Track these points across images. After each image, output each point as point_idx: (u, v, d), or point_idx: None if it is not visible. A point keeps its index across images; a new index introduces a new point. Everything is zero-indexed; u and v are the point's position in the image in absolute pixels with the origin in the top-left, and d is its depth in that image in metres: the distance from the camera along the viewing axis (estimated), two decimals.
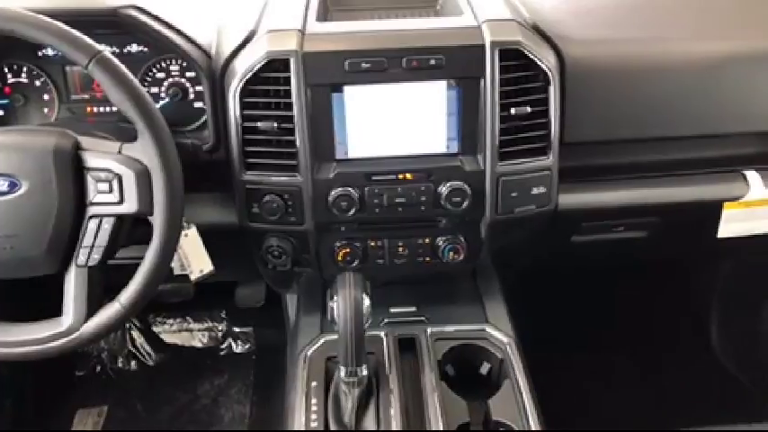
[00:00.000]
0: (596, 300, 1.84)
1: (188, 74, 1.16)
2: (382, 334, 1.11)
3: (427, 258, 1.17)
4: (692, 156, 1.22)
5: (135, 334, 1.91)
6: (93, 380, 1.84)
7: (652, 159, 1.21)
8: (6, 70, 1.16)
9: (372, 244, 1.15)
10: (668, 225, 1.29)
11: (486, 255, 1.20)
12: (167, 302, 1.84)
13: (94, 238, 0.90)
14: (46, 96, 1.17)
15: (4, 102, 1.16)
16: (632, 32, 1.17)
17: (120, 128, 1.06)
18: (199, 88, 1.15)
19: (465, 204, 1.06)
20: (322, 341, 1.12)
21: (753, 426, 1.01)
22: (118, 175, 0.88)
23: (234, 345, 1.93)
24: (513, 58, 1.03)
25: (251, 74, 1.01)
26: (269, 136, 1.04)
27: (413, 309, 1.21)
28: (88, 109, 1.18)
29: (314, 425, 0.98)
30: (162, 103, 1.16)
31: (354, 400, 0.96)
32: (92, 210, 0.89)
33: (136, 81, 0.88)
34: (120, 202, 0.89)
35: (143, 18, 1.04)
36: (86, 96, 1.17)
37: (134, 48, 1.15)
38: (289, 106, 1.02)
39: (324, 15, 1.20)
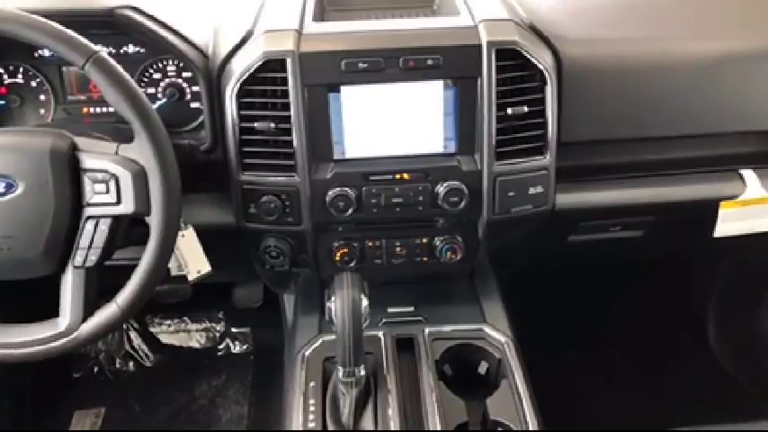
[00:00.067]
0: (594, 299, 1.84)
1: (185, 74, 1.16)
2: (380, 334, 1.12)
3: (425, 258, 1.17)
4: (688, 155, 1.22)
5: (132, 335, 1.91)
6: (91, 381, 1.83)
7: (649, 159, 1.21)
8: (2, 71, 1.16)
9: (370, 244, 1.15)
10: (665, 224, 1.29)
11: (484, 254, 1.20)
12: (165, 303, 1.84)
13: (91, 239, 0.89)
14: (42, 97, 1.17)
15: (1, 103, 1.16)
16: (629, 32, 1.17)
17: (117, 128, 1.06)
18: (196, 89, 1.15)
19: (462, 204, 1.06)
20: (320, 341, 1.12)
21: (751, 425, 1.01)
22: (115, 176, 0.87)
23: (232, 345, 1.93)
24: (509, 57, 1.03)
25: (248, 74, 1.01)
26: (266, 136, 1.04)
27: (411, 309, 1.21)
28: (85, 110, 1.18)
29: (312, 425, 0.98)
30: (159, 103, 1.16)
31: (352, 400, 0.96)
32: (89, 211, 0.89)
33: (132, 82, 0.88)
34: (117, 202, 0.88)
35: (139, 18, 1.04)
36: (83, 97, 1.17)
37: (131, 48, 1.15)
38: (286, 106, 1.02)
39: (320, 15, 1.20)
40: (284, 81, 1.01)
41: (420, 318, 1.19)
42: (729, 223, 1.21)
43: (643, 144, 1.19)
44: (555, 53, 1.08)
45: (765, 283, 1.67)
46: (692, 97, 1.14)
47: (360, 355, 0.94)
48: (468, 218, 1.12)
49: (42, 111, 1.17)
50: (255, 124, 1.03)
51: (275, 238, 1.13)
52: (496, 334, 1.13)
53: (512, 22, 1.07)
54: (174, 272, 1.09)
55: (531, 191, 1.09)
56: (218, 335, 1.95)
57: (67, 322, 0.91)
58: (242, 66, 1.02)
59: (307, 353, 1.10)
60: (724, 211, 1.20)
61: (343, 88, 1.03)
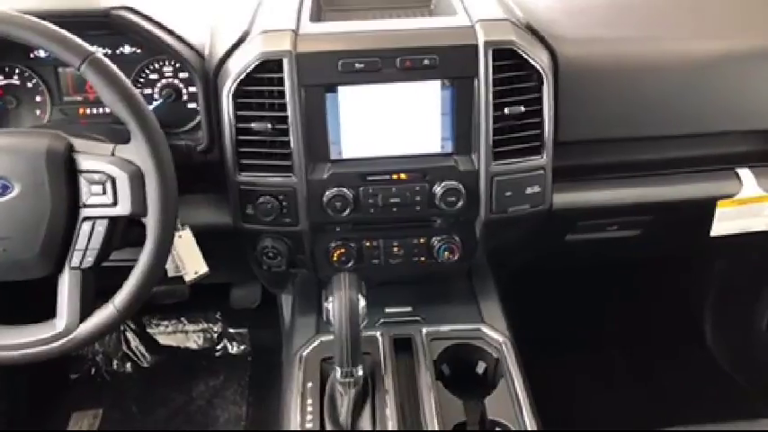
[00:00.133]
0: (591, 299, 1.84)
1: (181, 75, 1.15)
2: (378, 334, 1.11)
3: (422, 258, 1.17)
4: (685, 154, 1.22)
5: (130, 336, 1.90)
6: (88, 382, 1.83)
7: (646, 158, 1.21)
8: None
9: (367, 244, 1.15)
10: (662, 223, 1.29)
11: (481, 254, 1.20)
12: (162, 304, 1.84)
13: (88, 241, 0.89)
14: (38, 98, 1.17)
15: None
16: (626, 32, 1.17)
17: (114, 129, 1.06)
18: (192, 89, 1.15)
19: (460, 204, 1.07)
20: (317, 342, 1.12)
21: (749, 424, 1.02)
22: (111, 177, 0.87)
23: (229, 346, 1.93)
24: (506, 57, 1.03)
25: (244, 74, 1.01)
26: (263, 137, 1.04)
27: (408, 309, 1.21)
28: (81, 111, 1.17)
29: (310, 425, 0.97)
30: (155, 104, 1.15)
31: (350, 400, 0.96)
32: (85, 212, 0.89)
33: (128, 82, 0.88)
34: (114, 204, 0.88)
35: (135, 19, 1.04)
36: (79, 98, 1.17)
37: (127, 49, 1.14)
38: (282, 107, 1.02)
39: (317, 15, 1.20)
40: (281, 81, 1.01)
41: (418, 318, 1.19)
42: (726, 222, 1.21)
43: (640, 143, 1.20)
44: (552, 53, 1.08)
45: (762, 282, 1.67)
46: (689, 97, 1.14)
47: (357, 356, 0.94)
48: (465, 218, 1.12)
49: (38, 112, 1.17)
50: (252, 125, 1.02)
51: (272, 239, 1.13)
52: (494, 334, 1.13)
53: (508, 22, 1.07)
54: (171, 273, 1.09)
55: (529, 191, 1.09)
56: (215, 335, 1.94)
57: (64, 324, 0.91)
58: (238, 66, 1.01)
59: (304, 353, 1.10)
60: (721, 210, 1.20)
61: (340, 88, 1.03)
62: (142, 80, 1.16)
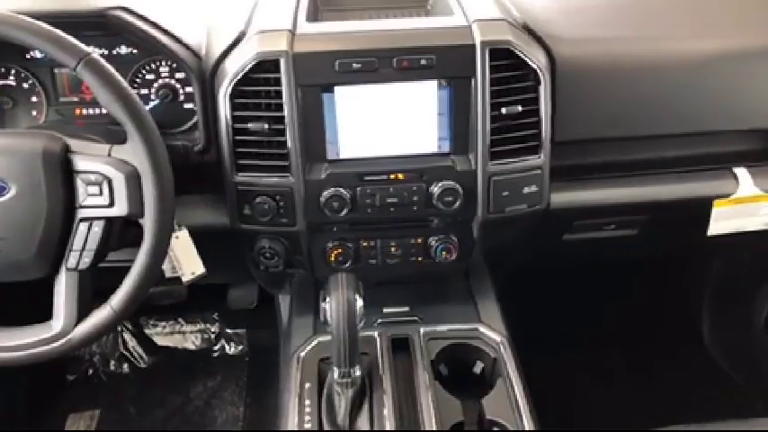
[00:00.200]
0: (589, 298, 1.84)
1: (178, 75, 1.15)
2: (375, 334, 1.11)
3: (420, 258, 1.17)
4: (682, 153, 1.22)
5: (127, 337, 1.90)
6: (85, 383, 1.83)
7: (643, 158, 1.21)
8: None
9: (365, 244, 1.15)
10: (659, 223, 1.29)
11: (479, 254, 1.20)
12: (159, 305, 1.84)
13: (85, 242, 0.89)
14: (34, 99, 1.16)
15: None
16: (622, 31, 1.17)
17: (110, 130, 1.06)
18: (189, 89, 1.15)
19: (457, 204, 1.07)
20: (315, 342, 1.12)
21: (746, 423, 1.02)
22: (108, 178, 0.87)
23: (227, 346, 1.93)
24: (503, 57, 1.03)
25: (241, 74, 1.01)
26: (260, 137, 1.03)
27: (406, 309, 1.21)
28: (77, 111, 1.17)
29: (307, 426, 0.97)
30: (152, 104, 1.15)
31: (348, 400, 0.96)
32: (82, 213, 0.89)
33: (125, 83, 0.88)
34: (111, 204, 0.88)
35: (131, 19, 1.03)
36: (75, 99, 1.17)
37: (123, 49, 1.14)
38: (279, 107, 1.01)
39: (314, 15, 1.20)
40: (278, 81, 1.01)
41: (415, 318, 1.19)
42: (723, 222, 1.21)
43: (637, 143, 1.20)
44: (548, 53, 1.08)
45: (759, 280, 1.68)
46: (686, 96, 1.14)
47: (355, 356, 0.94)
48: (462, 217, 1.12)
49: (34, 112, 1.17)
50: (249, 125, 1.02)
51: (269, 239, 1.13)
52: (492, 333, 1.13)
53: (505, 22, 1.07)
54: (168, 273, 1.09)
55: (526, 190, 1.09)
56: (213, 336, 1.94)
57: (61, 325, 0.90)
58: (235, 66, 1.01)
59: (302, 354, 1.10)
60: (717, 209, 1.20)
61: (336, 88, 1.02)
62: (138, 81, 1.15)
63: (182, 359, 1.90)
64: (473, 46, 1.02)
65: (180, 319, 1.95)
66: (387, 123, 1.05)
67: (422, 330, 1.13)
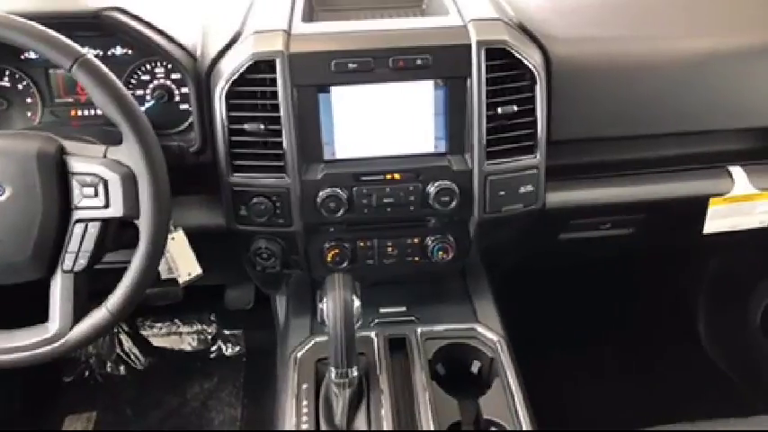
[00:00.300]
0: (585, 297, 1.85)
1: (173, 76, 1.15)
2: (372, 334, 1.11)
3: (416, 258, 1.17)
4: (678, 152, 1.23)
5: (123, 338, 1.90)
6: (82, 385, 1.82)
7: (638, 156, 1.22)
8: None
9: (361, 244, 1.15)
10: (655, 221, 1.30)
11: (475, 254, 1.20)
12: (156, 306, 1.83)
13: (80, 243, 0.89)
14: (29, 100, 1.16)
15: None
16: (618, 31, 1.17)
17: (105, 131, 1.05)
18: (184, 90, 1.14)
19: (453, 204, 1.07)
20: (312, 343, 1.12)
21: (744, 421, 1.02)
22: (103, 180, 0.87)
23: (223, 347, 1.92)
24: (499, 57, 1.03)
25: (237, 75, 1.01)
26: (256, 137, 1.03)
27: (403, 309, 1.21)
28: (72, 112, 1.17)
29: (305, 426, 0.97)
30: (147, 105, 1.15)
31: (345, 401, 0.96)
32: (77, 214, 0.88)
33: (120, 84, 0.88)
34: (106, 206, 0.88)
35: (126, 20, 1.03)
36: (70, 100, 1.16)
37: (118, 50, 1.14)
38: (275, 107, 1.01)
39: (309, 16, 1.20)
40: (273, 82, 1.00)
41: (412, 318, 1.19)
42: (718, 220, 1.22)
43: (633, 142, 1.20)
44: (544, 52, 1.08)
45: (755, 279, 1.68)
46: (682, 95, 1.14)
47: (352, 356, 0.94)
48: (459, 217, 1.12)
49: (29, 114, 1.16)
50: (245, 125, 1.02)
51: (266, 240, 1.13)
52: (489, 333, 1.13)
53: (501, 22, 1.07)
54: (164, 275, 1.08)
55: (522, 190, 1.09)
56: (209, 337, 1.94)
57: (57, 327, 0.90)
58: (231, 67, 1.01)
59: (299, 354, 1.10)
60: (713, 207, 1.20)
61: (332, 89, 1.02)
62: (134, 81, 1.15)
63: (178, 360, 1.90)
64: (469, 46, 1.02)
65: (176, 321, 1.95)
66: (383, 123, 1.05)
67: (419, 330, 1.13)
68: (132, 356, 1.88)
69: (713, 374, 1.74)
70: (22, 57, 1.14)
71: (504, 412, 1.00)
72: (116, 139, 0.89)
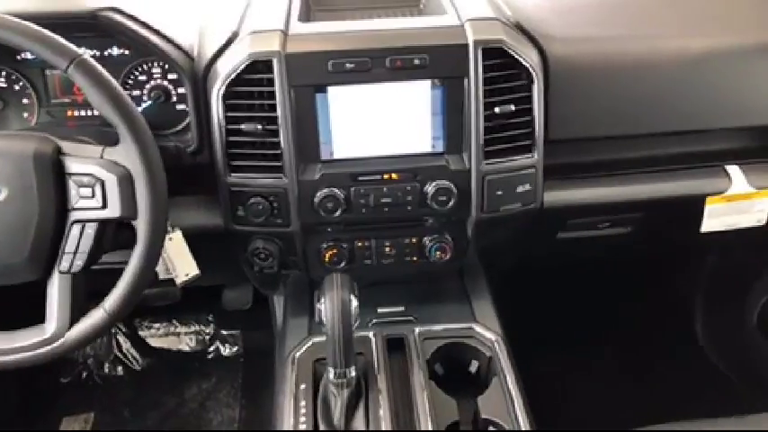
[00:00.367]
0: (583, 296, 1.85)
1: (170, 76, 1.15)
2: (370, 334, 1.11)
3: (414, 258, 1.17)
4: (675, 151, 1.23)
5: (121, 339, 1.89)
6: (79, 386, 1.82)
7: (636, 155, 1.22)
8: None
9: (359, 244, 1.15)
10: (653, 220, 1.30)
11: (473, 253, 1.20)
12: (153, 306, 1.83)
13: (77, 244, 0.88)
14: (25, 101, 1.15)
15: None
16: (615, 30, 1.17)
17: (102, 132, 1.05)
18: (181, 90, 1.14)
19: (451, 203, 1.07)
20: (310, 343, 1.12)
21: (741, 420, 1.02)
22: (100, 180, 0.87)
23: (221, 348, 1.92)
24: (496, 56, 1.03)
25: (234, 75, 1.00)
26: (253, 138, 1.03)
27: (401, 308, 1.21)
28: (69, 113, 1.16)
29: (303, 427, 0.97)
30: (144, 105, 1.15)
31: (343, 401, 0.96)
32: (74, 215, 0.88)
33: (116, 84, 0.87)
34: (103, 206, 0.87)
35: (123, 20, 1.03)
36: (67, 100, 1.16)
37: (115, 51, 1.14)
38: (272, 108, 1.01)
39: (306, 16, 1.20)
40: (270, 82, 1.00)
41: (410, 317, 1.19)
42: (716, 219, 1.22)
43: (630, 141, 1.20)
44: (541, 52, 1.08)
45: (752, 277, 1.68)
46: (679, 94, 1.14)
47: (350, 356, 0.94)
48: (457, 217, 1.12)
49: (26, 114, 1.16)
50: (242, 126, 1.02)
51: (264, 240, 1.13)
52: (487, 332, 1.13)
53: (498, 21, 1.07)
54: (162, 275, 1.08)
55: (520, 189, 1.09)
56: (207, 338, 1.94)
57: (54, 328, 0.90)
58: (228, 67, 1.01)
59: (297, 354, 1.10)
60: (710, 206, 1.21)
61: (330, 89, 1.02)
62: (131, 82, 1.15)
63: (176, 361, 1.89)
64: (466, 45, 1.02)
65: (174, 321, 1.94)
66: (380, 123, 1.05)
67: (417, 330, 1.13)
68: (130, 357, 1.88)
69: (711, 373, 1.74)
70: (19, 57, 1.13)
71: (503, 412, 1.00)
72: (113, 140, 0.89)
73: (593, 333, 1.82)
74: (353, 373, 0.96)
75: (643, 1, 1.24)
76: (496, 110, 1.03)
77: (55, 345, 0.90)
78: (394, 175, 1.06)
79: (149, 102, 1.15)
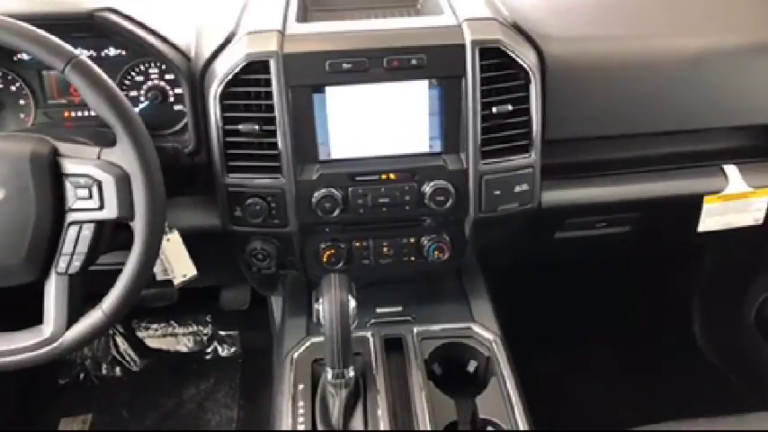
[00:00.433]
0: (581, 296, 1.85)
1: (167, 76, 1.15)
2: (369, 334, 1.11)
3: (412, 258, 1.17)
4: (672, 151, 1.23)
5: (119, 340, 1.89)
6: (77, 388, 1.81)
7: (633, 155, 1.22)
8: None
9: (357, 244, 1.15)
10: (651, 220, 1.30)
11: (471, 253, 1.20)
12: (151, 307, 1.83)
13: (74, 245, 0.88)
14: (22, 101, 1.15)
15: None
16: (612, 30, 1.17)
17: (99, 132, 1.05)
18: (178, 91, 1.14)
19: (449, 203, 1.07)
20: (308, 343, 1.12)
21: (739, 419, 1.02)
22: (97, 181, 0.86)
23: (219, 348, 1.92)
24: (493, 56, 1.03)
25: (231, 76, 1.00)
26: (250, 138, 1.03)
27: (399, 308, 1.21)
28: (66, 114, 1.16)
29: (301, 427, 0.97)
30: (141, 106, 1.14)
31: (342, 401, 0.96)
32: (71, 216, 0.88)
33: (113, 85, 0.87)
34: (101, 207, 0.87)
35: (119, 21, 1.03)
36: (64, 101, 1.16)
37: (111, 51, 1.13)
38: (270, 108, 1.01)
39: (303, 16, 1.20)
40: (268, 82, 1.00)
41: (408, 317, 1.19)
42: (713, 218, 1.22)
43: (627, 141, 1.20)
44: (539, 51, 1.08)
45: (750, 276, 1.69)
46: (676, 94, 1.14)
47: (348, 357, 0.94)
48: (454, 217, 1.12)
49: (22, 115, 1.16)
50: (239, 126, 1.02)
51: (261, 241, 1.12)
52: (485, 332, 1.13)
53: (495, 21, 1.07)
54: (159, 276, 1.08)
55: (517, 189, 1.09)
56: (205, 338, 1.93)
57: (51, 329, 0.90)
58: (225, 67, 1.01)
59: (295, 355, 1.10)
60: (708, 206, 1.21)
61: (327, 89, 1.02)
62: (128, 82, 1.15)
63: (174, 362, 1.89)
64: (463, 45, 1.02)
65: (172, 322, 1.94)
66: (378, 123, 1.05)
67: (415, 330, 1.13)
68: (128, 358, 1.88)
69: (709, 372, 1.74)
70: (15, 58, 1.13)
71: (501, 411, 1.00)
72: (110, 141, 0.89)
73: (592, 333, 1.82)
74: (352, 374, 0.96)
75: (640, 1, 1.25)
76: (494, 110, 1.04)
77: (53, 346, 0.90)
78: (392, 176, 1.06)
79: (146, 102, 1.15)
